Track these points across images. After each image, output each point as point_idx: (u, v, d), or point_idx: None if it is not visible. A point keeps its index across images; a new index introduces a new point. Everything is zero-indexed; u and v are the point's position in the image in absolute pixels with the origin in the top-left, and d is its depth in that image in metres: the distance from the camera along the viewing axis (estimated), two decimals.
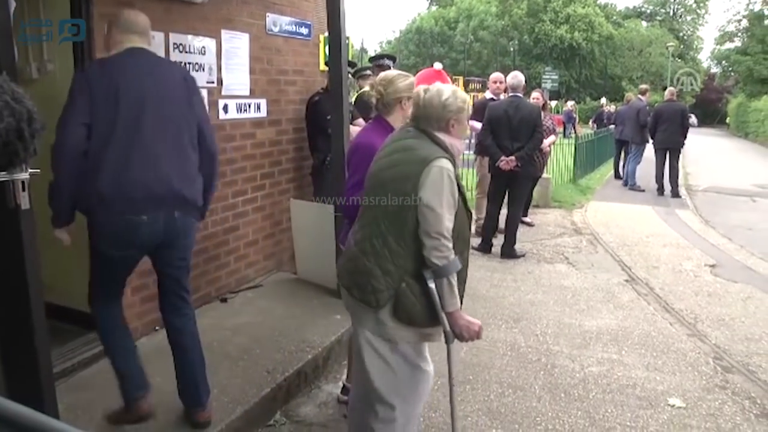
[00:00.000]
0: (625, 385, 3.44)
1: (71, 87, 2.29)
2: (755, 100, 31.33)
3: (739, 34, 40.44)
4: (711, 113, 44.30)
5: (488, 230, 6.19)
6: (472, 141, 6.65)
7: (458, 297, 2.12)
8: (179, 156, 2.45)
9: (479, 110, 6.26)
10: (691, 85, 26.71)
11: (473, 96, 15.04)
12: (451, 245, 2.05)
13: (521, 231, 6.45)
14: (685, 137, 10.20)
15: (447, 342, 2.16)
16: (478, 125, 6.15)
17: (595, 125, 18.00)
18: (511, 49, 47.60)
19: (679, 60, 47.80)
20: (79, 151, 2.26)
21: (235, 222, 4.30)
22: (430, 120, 2.15)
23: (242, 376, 3.10)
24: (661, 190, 10.42)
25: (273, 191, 4.71)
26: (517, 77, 6.17)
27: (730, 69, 41.25)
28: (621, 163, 12.32)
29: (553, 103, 25.56)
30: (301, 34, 4.93)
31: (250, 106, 4.35)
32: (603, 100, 22.56)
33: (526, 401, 3.24)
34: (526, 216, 7.46)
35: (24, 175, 1.97)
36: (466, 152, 5.93)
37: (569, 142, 12.97)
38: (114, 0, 3.09)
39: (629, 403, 3.23)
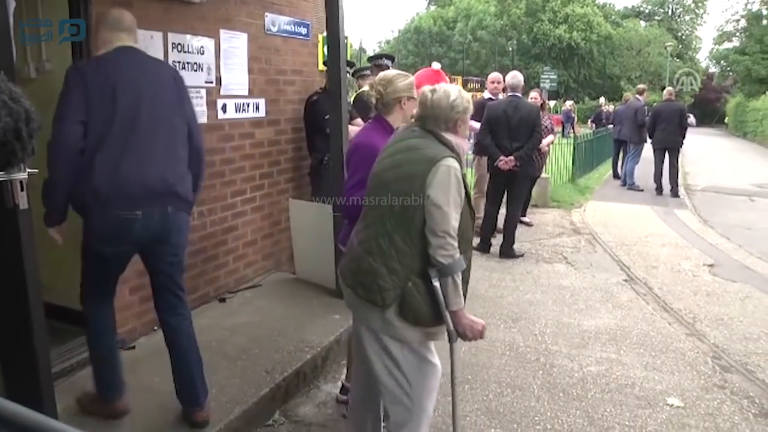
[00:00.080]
0: (623, 384, 3.44)
1: (66, 84, 2.30)
2: (753, 99, 31.35)
3: (738, 33, 40.54)
4: (709, 113, 44.38)
5: (487, 230, 6.19)
6: (471, 141, 6.64)
7: (462, 296, 2.12)
8: (172, 154, 2.49)
9: (478, 110, 6.23)
10: (691, 85, 26.77)
11: (472, 96, 15.02)
12: (456, 244, 2.05)
13: (520, 231, 6.45)
14: (684, 137, 10.21)
15: (450, 341, 2.16)
16: (477, 125, 6.15)
17: (594, 125, 18.01)
18: (510, 48, 47.65)
19: (678, 60, 47.88)
20: (77, 149, 2.27)
21: (233, 222, 4.30)
22: (438, 120, 2.16)
23: (241, 375, 3.10)
24: (659, 189, 10.43)
25: (272, 191, 4.71)
26: (516, 77, 6.18)
27: (729, 69, 41.31)
28: (619, 163, 12.34)
29: (552, 103, 25.58)
30: (300, 34, 4.93)
31: (248, 106, 4.35)
32: (602, 100, 22.58)
33: (524, 401, 3.24)
34: (524, 216, 7.46)
35: (22, 175, 1.96)
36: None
37: (568, 142, 12.98)
38: (112, 0, 3.09)
39: (628, 403, 3.23)
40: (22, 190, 2.01)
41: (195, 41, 3.81)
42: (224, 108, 4.09)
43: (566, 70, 46.61)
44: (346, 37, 4.36)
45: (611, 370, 3.62)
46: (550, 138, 7.56)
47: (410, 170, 2.07)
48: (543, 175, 8.40)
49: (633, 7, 56.37)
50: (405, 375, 2.16)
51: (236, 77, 4.21)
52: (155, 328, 3.47)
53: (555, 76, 34.08)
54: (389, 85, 2.65)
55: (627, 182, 11.20)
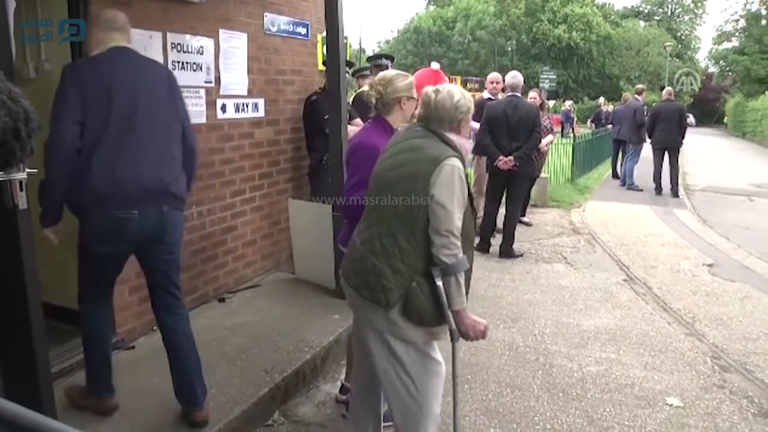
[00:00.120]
0: (623, 384, 3.44)
1: (62, 83, 2.31)
2: (753, 99, 31.36)
3: (737, 33, 40.53)
4: (709, 113, 44.38)
5: (486, 230, 6.20)
6: (471, 141, 6.64)
7: (465, 296, 2.13)
8: (167, 154, 2.51)
9: (477, 110, 6.23)
10: (691, 85, 26.78)
11: (471, 96, 15.01)
12: (459, 243, 2.05)
13: (519, 231, 6.45)
14: (683, 137, 10.22)
15: (452, 340, 2.16)
16: (476, 125, 6.15)
17: (593, 125, 18.01)
18: (509, 48, 47.66)
19: (677, 60, 47.89)
20: (74, 149, 2.28)
21: (233, 222, 4.30)
22: (442, 121, 2.17)
23: (240, 375, 3.10)
24: (658, 189, 10.43)
25: (271, 191, 4.71)
26: (516, 77, 6.18)
27: (728, 69, 41.29)
28: (618, 163, 12.34)
29: (551, 103, 25.58)
30: (299, 34, 4.93)
31: (247, 106, 4.35)
32: (601, 100, 22.57)
33: (524, 401, 3.24)
34: (524, 216, 7.47)
35: (21, 175, 1.96)
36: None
37: (568, 142, 12.98)
38: (111, 0, 3.09)
39: (627, 403, 3.23)
40: (21, 190, 2.01)
41: (194, 41, 3.81)
42: (223, 108, 4.09)
43: (565, 70, 46.61)
44: (346, 37, 4.36)
45: (610, 370, 3.62)
46: (549, 138, 7.56)
47: (414, 170, 2.08)
48: (542, 174, 8.40)
49: (632, 7, 56.41)
50: (410, 375, 2.16)
51: (235, 77, 4.20)
52: (154, 328, 3.45)
53: (554, 76, 34.06)
54: (389, 85, 2.65)
55: (626, 182, 11.21)
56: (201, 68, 3.88)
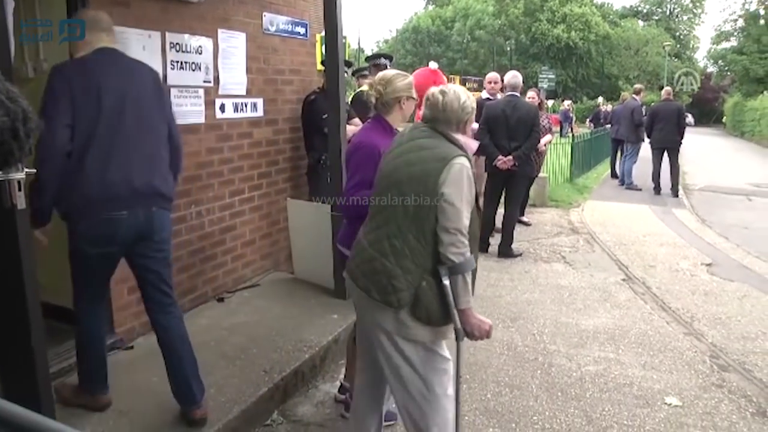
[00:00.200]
0: (621, 384, 3.44)
1: (50, 85, 2.31)
2: (751, 99, 31.39)
3: (735, 33, 40.59)
4: (707, 112, 44.41)
5: (485, 229, 6.19)
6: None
7: (471, 295, 2.12)
8: (156, 155, 2.53)
9: (476, 110, 6.25)
10: (691, 85, 26.82)
11: None
12: (467, 242, 2.06)
13: (518, 230, 6.46)
14: (682, 136, 10.22)
15: (457, 339, 2.16)
16: (475, 125, 6.15)
17: (592, 124, 18.04)
18: (508, 48, 47.64)
19: (676, 59, 47.95)
20: (64, 152, 2.30)
21: (232, 221, 4.30)
22: (450, 122, 2.19)
23: (239, 375, 3.10)
24: (657, 189, 10.44)
25: (270, 191, 4.71)
26: (516, 77, 6.18)
27: (727, 68, 41.33)
28: (617, 162, 12.35)
29: (550, 103, 25.60)
30: (298, 34, 4.93)
31: (246, 106, 4.35)
32: (600, 100, 22.62)
33: (523, 400, 3.24)
34: (523, 215, 7.47)
35: (20, 175, 1.96)
36: None
37: (566, 141, 12.99)
38: (110, 0, 3.09)
39: (626, 402, 3.24)
40: (19, 190, 2.00)
41: (193, 41, 3.81)
42: (222, 108, 4.09)
43: (564, 70, 46.65)
44: (344, 37, 4.36)
45: (609, 369, 3.62)
46: (548, 137, 7.57)
47: (424, 169, 2.08)
48: (541, 174, 8.41)
49: (631, 6, 56.46)
50: (420, 375, 2.15)
51: (234, 77, 4.20)
52: None
53: (553, 76, 34.11)
54: (389, 85, 2.65)
55: (625, 182, 11.22)
56: (200, 68, 3.88)
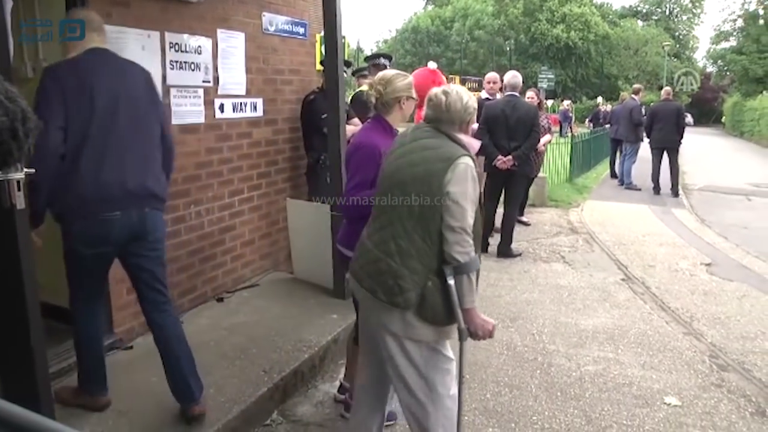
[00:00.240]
0: (621, 383, 3.45)
1: (42, 86, 2.30)
2: (750, 99, 31.40)
3: (735, 33, 40.61)
4: (707, 112, 44.43)
5: (484, 229, 6.19)
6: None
7: (475, 295, 2.13)
8: (149, 155, 2.54)
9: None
10: (691, 85, 26.81)
11: None
12: (472, 241, 2.06)
13: (517, 230, 6.46)
14: (682, 136, 10.23)
15: (461, 339, 2.16)
16: (475, 125, 6.14)
17: (592, 124, 18.03)
18: (508, 48, 47.61)
19: (675, 59, 47.95)
20: (58, 154, 2.30)
21: (231, 221, 4.30)
22: (453, 122, 2.19)
23: (239, 375, 3.10)
24: (657, 189, 10.45)
25: (269, 191, 4.71)
26: (516, 77, 6.18)
27: (726, 68, 41.37)
28: (617, 162, 12.35)
29: (549, 103, 25.62)
30: (298, 34, 4.93)
31: (246, 106, 4.35)
32: (599, 100, 22.62)
33: (522, 400, 3.24)
34: (522, 215, 7.47)
35: (19, 175, 1.95)
36: None
37: (566, 141, 12.99)
38: (109, 0, 3.09)
39: (625, 402, 3.24)
40: (19, 190, 2.00)
41: (192, 41, 3.81)
42: (222, 107, 4.09)
43: (564, 70, 46.63)
44: (344, 37, 4.36)
45: (609, 369, 3.62)
46: (547, 137, 7.57)
47: (428, 169, 2.08)
48: (540, 174, 8.41)
49: (630, 6, 56.42)
50: (424, 376, 2.15)
51: (234, 77, 4.20)
52: None
53: (552, 76, 34.07)
54: (389, 85, 2.65)
55: (624, 182, 11.22)
56: (199, 68, 3.88)
